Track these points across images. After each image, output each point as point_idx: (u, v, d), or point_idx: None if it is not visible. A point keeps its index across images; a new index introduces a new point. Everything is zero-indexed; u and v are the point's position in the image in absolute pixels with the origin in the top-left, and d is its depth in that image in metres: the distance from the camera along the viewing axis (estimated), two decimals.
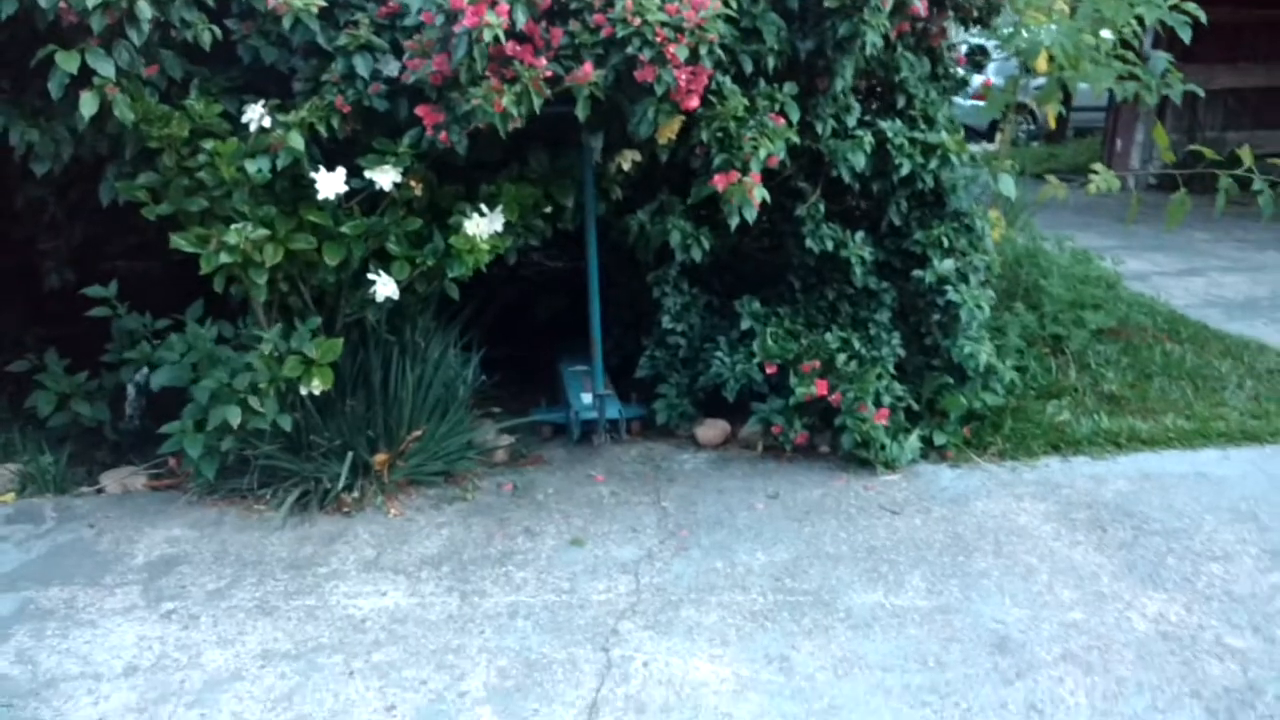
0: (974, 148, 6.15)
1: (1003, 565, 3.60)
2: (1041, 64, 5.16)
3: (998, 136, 6.28)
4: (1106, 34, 5.44)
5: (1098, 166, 5.75)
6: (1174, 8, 4.84)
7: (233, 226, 3.49)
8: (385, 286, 3.72)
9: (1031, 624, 3.25)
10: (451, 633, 3.19)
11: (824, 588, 3.46)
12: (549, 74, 3.35)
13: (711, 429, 4.58)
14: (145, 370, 4.21)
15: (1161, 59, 6.19)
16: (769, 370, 4.31)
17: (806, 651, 3.11)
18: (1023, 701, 2.89)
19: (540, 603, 3.36)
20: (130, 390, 4.38)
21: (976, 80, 10.69)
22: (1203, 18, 4.74)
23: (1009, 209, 5.72)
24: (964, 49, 5.86)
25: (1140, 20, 4.97)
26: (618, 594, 3.41)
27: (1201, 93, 5.67)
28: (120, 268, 4.58)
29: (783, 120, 3.79)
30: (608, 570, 3.56)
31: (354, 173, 3.60)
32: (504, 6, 3.25)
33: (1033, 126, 15.22)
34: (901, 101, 4.30)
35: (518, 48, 3.32)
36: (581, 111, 3.40)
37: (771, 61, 3.85)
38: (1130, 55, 5.19)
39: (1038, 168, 10.87)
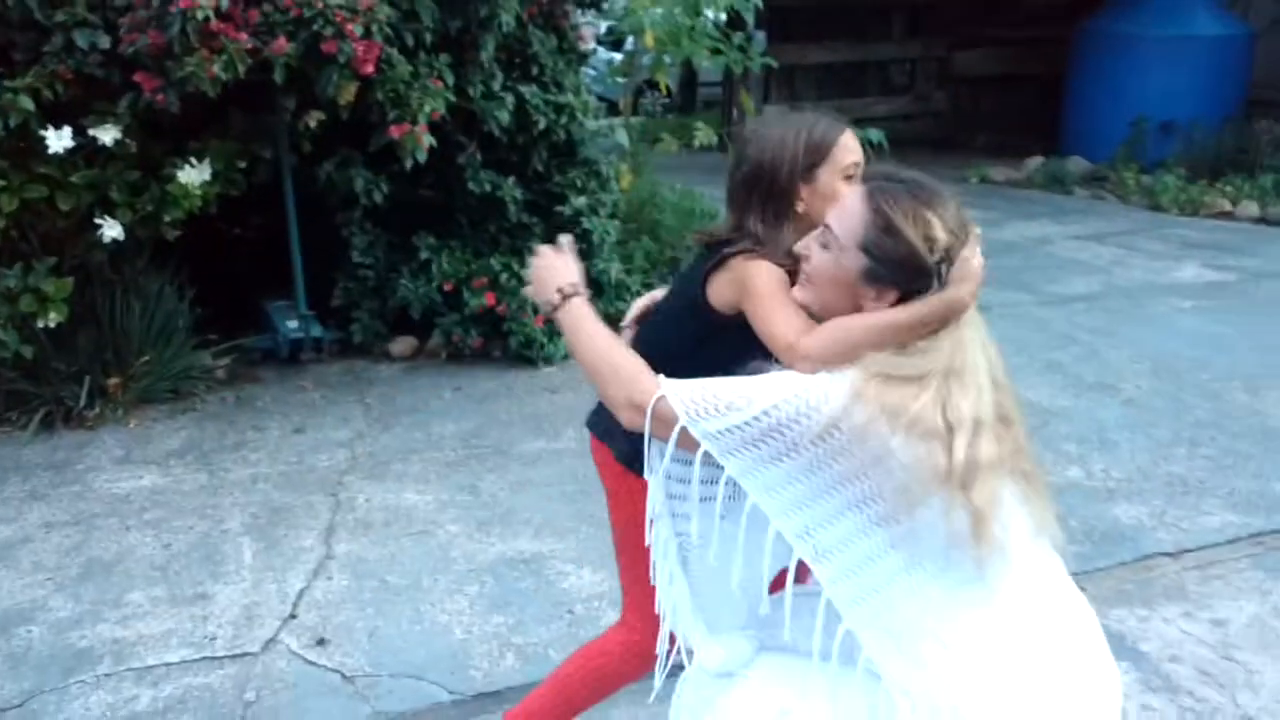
0: (619, 119, 7.38)
1: None
2: (649, 41, 6.44)
3: (621, 103, 7.54)
4: (711, 14, 6.81)
5: (699, 125, 7.18)
6: None
7: None
8: (112, 229, 4.35)
9: None
10: (206, 496, 3.97)
11: (501, 442, 4.51)
12: (250, 46, 4.13)
13: (402, 344, 5.50)
14: None
15: (760, 38, 7.68)
16: (447, 288, 5.28)
17: (489, 481, 4.16)
18: None
19: (275, 472, 4.19)
20: None
21: (618, 58, 12.09)
22: (759, 3, 6.16)
23: (639, 165, 6.97)
24: (590, 29, 7.05)
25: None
26: (337, 460, 4.31)
27: (775, 64, 7.18)
28: None
29: (441, 84, 4.76)
30: (328, 447, 4.44)
31: (79, 131, 4.21)
32: None
33: (668, 100, 16.93)
34: (536, 70, 5.38)
35: (222, 25, 4.08)
36: (280, 77, 4.21)
37: (429, 37, 4.80)
38: (716, 33, 6.57)
39: (673, 134, 12.40)
